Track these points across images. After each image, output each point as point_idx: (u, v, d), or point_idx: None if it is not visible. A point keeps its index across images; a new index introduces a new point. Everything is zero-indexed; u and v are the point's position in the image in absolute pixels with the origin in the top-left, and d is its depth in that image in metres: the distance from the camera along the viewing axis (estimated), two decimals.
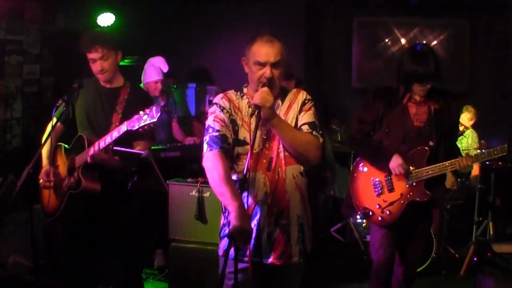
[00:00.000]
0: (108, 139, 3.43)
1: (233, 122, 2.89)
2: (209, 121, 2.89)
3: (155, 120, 3.23)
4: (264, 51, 2.82)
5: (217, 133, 2.84)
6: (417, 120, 3.66)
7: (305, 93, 2.97)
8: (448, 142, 3.74)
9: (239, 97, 2.94)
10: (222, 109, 2.90)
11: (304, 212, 2.94)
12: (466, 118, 5.79)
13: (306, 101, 2.93)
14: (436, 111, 3.66)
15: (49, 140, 3.69)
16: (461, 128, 5.65)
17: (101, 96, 3.71)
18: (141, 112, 3.27)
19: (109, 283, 4.34)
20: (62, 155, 3.77)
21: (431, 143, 3.64)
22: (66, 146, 3.77)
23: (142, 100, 3.66)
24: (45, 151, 3.72)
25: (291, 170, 2.87)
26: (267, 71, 2.81)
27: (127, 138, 3.51)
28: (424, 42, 6.59)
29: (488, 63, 6.78)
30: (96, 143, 3.46)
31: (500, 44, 6.67)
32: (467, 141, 5.80)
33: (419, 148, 3.64)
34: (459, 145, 5.56)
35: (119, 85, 3.74)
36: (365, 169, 3.78)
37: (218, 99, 2.94)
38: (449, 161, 3.61)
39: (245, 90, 2.96)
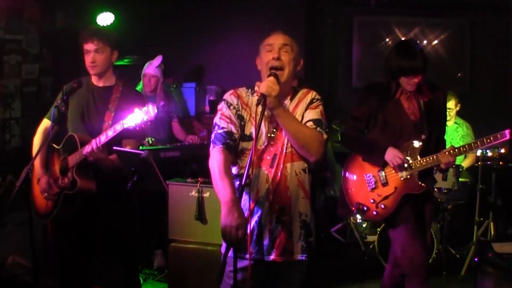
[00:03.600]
0: (103, 138, 3.43)
1: (240, 117, 2.91)
2: (216, 119, 2.93)
3: (152, 118, 3.26)
4: (273, 36, 2.90)
5: (221, 130, 2.87)
6: (412, 114, 3.68)
7: (314, 93, 3.00)
8: (437, 134, 3.76)
9: (249, 93, 2.96)
10: (229, 105, 2.92)
11: (307, 209, 2.93)
12: (452, 104, 5.78)
13: (314, 100, 2.95)
14: (425, 104, 3.68)
15: (44, 147, 3.69)
16: (451, 114, 5.65)
17: (94, 94, 3.73)
18: (136, 110, 3.29)
19: (107, 283, 4.31)
20: (54, 156, 3.75)
21: (423, 137, 3.66)
22: (56, 146, 3.75)
23: (134, 98, 3.69)
24: (38, 159, 3.70)
25: (293, 167, 2.87)
26: (275, 51, 2.85)
27: (118, 138, 3.52)
28: (419, 40, 6.62)
29: (489, 62, 6.77)
30: (91, 143, 3.45)
31: (500, 44, 6.66)
32: (463, 129, 5.79)
33: (410, 141, 3.64)
34: (455, 134, 5.66)
35: (111, 83, 3.76)
36: (357, 165, 3.79)
37: (227, 95, 2.97)
38: (435, 155, 3.61)
39: (256, 87, 2.98)
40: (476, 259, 4.93)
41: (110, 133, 3.41)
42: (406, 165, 3.61)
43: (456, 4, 6.63)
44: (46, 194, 3.70)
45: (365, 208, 3.68)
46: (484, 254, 4.19)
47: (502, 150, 4.98)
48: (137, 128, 3.32)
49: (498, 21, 6.64)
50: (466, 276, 5.05)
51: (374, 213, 3.68)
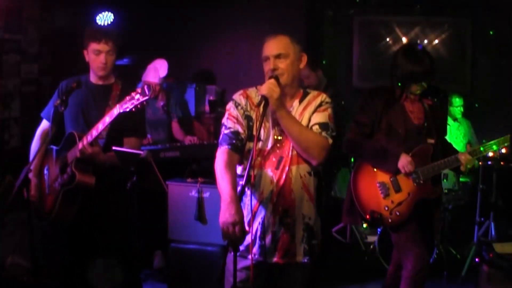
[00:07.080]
0: (100, 126, 3.40)
1: (248, 118, 2.91)
2: (224, 119, 2.95)
3: (147, 97, 3.24)
4: (266, 46, 2.91)
5: (228, 131, 2.89)
6: (415, 118, 3.65)
7: (324, 95, 2.99)
8: (442, 137, 3.76)
9: (259, 94, 2.95)
10: (237, 105, 2.94)
11: (311, 212, 2.93)
12: (462, 102, 5.80)
13: (323, 103, 2.94)
14: (430, 107, 3.67)
15: (42, 149, 3.67)
16: (459, 111, 5.69)
17: (94, 93, 3.71)
18: (132, 93, 3.27)
19: (106, 284, 4.30)
20: (52, 157, 3.73)
21: (432, 141, 3.63)
22: (55, 147, 3.73)
23: None
24: (36, 162, 3.69)
25: (298, 170, 2.88)
26: (270, 62, 2.86)
27: (118, 135, 3.52)
28: (419, 41, 6.63)
29: (489, 62, 6.76)
30: (88, 134, 3.43)
31: (501, 43, 6.65)
32: (464, 128, 5.78)
33: (422, 146, 3.61)
34: (458, 133, 5.73)
35: (110, 82, 3.75)
36: (367, 172, 3.71)
37: (236, 95, 2.99)
38: (454, 156, 3.60)
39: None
40: (477, 260, 4.92)
41: (108, 119, 3.38)
42: (415, 174, 3.57)
43: (457, 4, 6.63)
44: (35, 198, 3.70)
45: (379, 216, 3.61)
46: (485, 255, 4.18)
47: (503, 150, 4.97)
48: (134, 109, 3.28)
49: (499, 21, 6.63)
50: (467, 276, 5.03)
51: (389, 220, 3.62)
